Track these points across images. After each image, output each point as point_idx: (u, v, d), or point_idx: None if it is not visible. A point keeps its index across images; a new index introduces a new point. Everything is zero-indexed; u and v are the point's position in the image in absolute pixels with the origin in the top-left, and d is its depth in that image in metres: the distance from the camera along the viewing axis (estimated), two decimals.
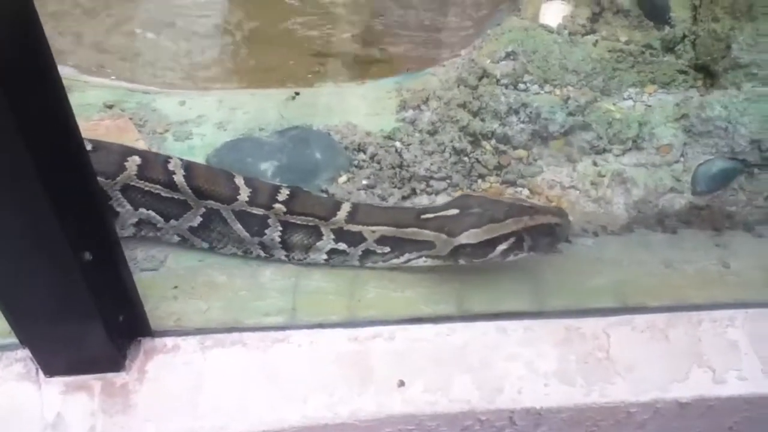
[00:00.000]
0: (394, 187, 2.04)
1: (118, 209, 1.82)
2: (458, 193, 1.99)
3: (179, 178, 1.80)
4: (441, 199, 2.01)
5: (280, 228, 1.82)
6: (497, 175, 2.05)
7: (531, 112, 2.01)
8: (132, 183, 1.80)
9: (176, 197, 1.81)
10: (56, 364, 1.55)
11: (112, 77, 2.43)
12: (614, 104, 2.05)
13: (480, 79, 2.10)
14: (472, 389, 1.59)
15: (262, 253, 1.85)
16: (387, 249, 1.82)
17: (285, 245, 1.83)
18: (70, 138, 1.25)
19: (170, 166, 1.82)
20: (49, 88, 1.17)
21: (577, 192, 1.99)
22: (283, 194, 1.83)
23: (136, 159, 1.81)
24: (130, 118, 2.20)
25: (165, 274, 1.84)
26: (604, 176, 1.99)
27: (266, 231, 1.82)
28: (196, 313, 1.72)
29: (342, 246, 1.82)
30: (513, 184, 2.05)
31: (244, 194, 1.81)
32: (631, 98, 2.07)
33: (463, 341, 1.67)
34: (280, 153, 2.06)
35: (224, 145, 2.11)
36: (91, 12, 2.73)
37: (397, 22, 2.79)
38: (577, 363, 1.64)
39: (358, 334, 1.67)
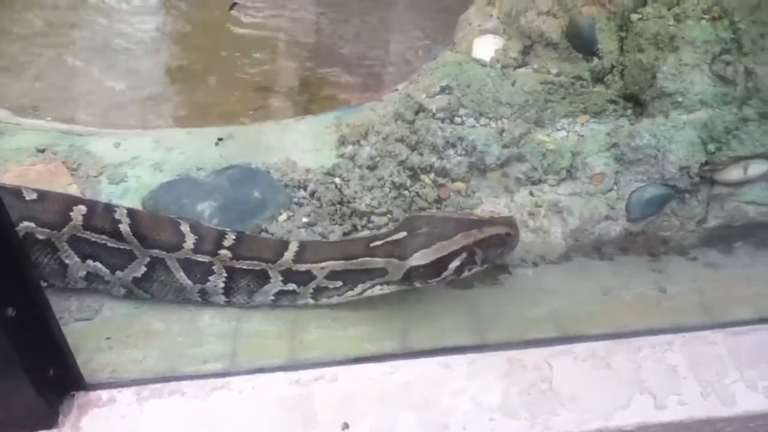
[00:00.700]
0: (335, 223, 2.03)
1: (67, 261, 1.78)
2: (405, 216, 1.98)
3: (125, 227, 1.76)
4: None
5: (225, 274, 1.79)
6: (437, 207, 2.05)
7: (467, 145, 2.03)
8: (78, 234, 1.76)
9: (122, 247, 1.77)
10: None
11: (48, 118, 2.38)
12: (548, 135, 2.08)
13: (416, 113, 2.11)
14: (418, 428, 1.58)
15: (200, 299, 1.82)
16: (339, 283, 1.80)
17: (229, 291, 1.80)
18: None
19: (116, 215, 1.78)
20: None
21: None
22: (229, 239, 1.80)
23: (82, 208, 1.77)
24: (63, 162, 2.14)
25: (100, 324, 1.79)
26: (540, 206, 2.01)
27: (210, 278, 1.79)
28: (131, 362, 1.68)
29: (291, 286, 1.80)
30: None
31: (190, 241, 1.78)
32: (564, 129, 2.10)
33: (408, 379, 1.66)
34: (217, 193, 2.03)
35: (160, 186, 2.07)
36: (26, 53, 2.68)
37: (339, 57, 2.81)
38: (521, 395, 1.64)
39: (301, 377, 1.65)
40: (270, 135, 2.30)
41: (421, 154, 2.07)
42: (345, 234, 2.01)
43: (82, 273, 1.79)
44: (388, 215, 2.04)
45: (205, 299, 1.82)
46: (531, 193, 2.05)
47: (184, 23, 2.87)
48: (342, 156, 2.15)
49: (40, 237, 1.74)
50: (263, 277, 1.79)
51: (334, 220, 2.03)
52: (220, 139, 2.24)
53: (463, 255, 1.73)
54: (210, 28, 2.87)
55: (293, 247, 1.82)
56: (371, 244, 1.80)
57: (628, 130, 2.03)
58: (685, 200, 2.02)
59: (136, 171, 2.13)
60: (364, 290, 1.81)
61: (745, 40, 1.99)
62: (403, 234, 1.79)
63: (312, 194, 2.07)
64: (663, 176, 1.98)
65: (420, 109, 2.12)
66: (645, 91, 2.08)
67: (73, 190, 2.04)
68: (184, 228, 1.80)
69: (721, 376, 1.69)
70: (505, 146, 2.03)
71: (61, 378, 1.53)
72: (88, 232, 1.76)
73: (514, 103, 2.09)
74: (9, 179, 2.01)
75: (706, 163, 1.97)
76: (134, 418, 1.56)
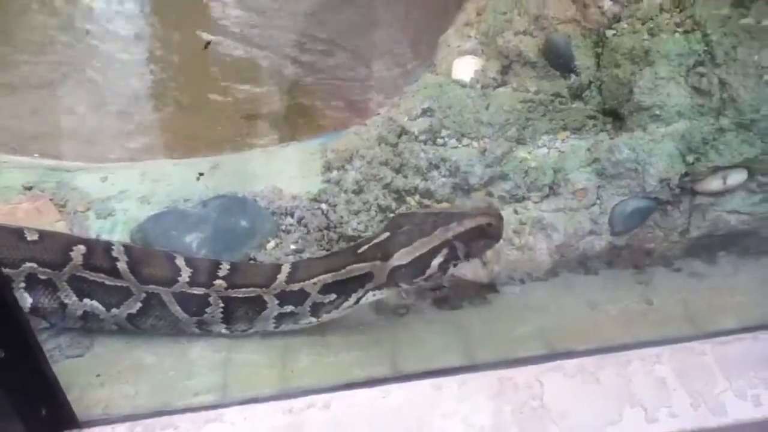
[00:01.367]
0: (323, 249, 2.04)
1: (66, 301, 1.78)
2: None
3: (122, 264, 1.76)
4: None
5: (222, 305, 1.78)
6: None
7: (451, 166, 2.05)
8: (77, 273, 1.76)
9: (119, 284, 1.77)
10: None
11: (35, 155, 2.38)
12: (529, 153, 2.11)
13: (399, 136, 2.14)
14: None
15: (197, 331, 1.82)
16: (333, 296, 1.78)
17: (226, 320, 1.80)
18: None
19: (113, 253, 1.78)
20: None
21: (501, 241, 2.02)
22: (224, 269, 1.80)
23: (81, 248, 1.77)
24: (51, 199, 2.15)
25: (91, 360, 1.79)
26: (525, 224, 2.03)
27: (207, 309, 1.78)
28: (124, 398, 1.68)
29: (289, 308, 1.79)
30: None
31: (185, 275, 1.77)
32: (545, 146, 2.13)
33: (399, 403, 1.66)
34: (204, 224, 2.04)
35: (148, 219, 2.08)
36: (8, 87, 2.68)
37: (325, 81, 2.82)
38: (513, 414, 1.64)
39: (293, 406, 1.64)
40: (256, 163, 2.31)
41: (405, 177, 2.09)
42: None
43: (80, 312, 1.79)
44: None
45: (203, 329, 1.81)
46: (515, 211, 2.07)
47: (171, 53, 2.87)
48: (328, 181, 2.17)
49: (42, 277, 1.75)
50: (260, 303, 1.79)
51: (321, 245, 2.05)
52: (201, 174, 2.24)
53: (445, 251, 1.70)
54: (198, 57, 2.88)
55: (286, 269, 1.80)
56: (359, 251, 1.78)
57: (608, 145, 2.05)
58: (668, 212, 2.05)
59: (124, 204, 2.14)
60: (359, 298, 1.78)
61: (718, 51, 2.02)
62: (386, 234, 1.76)
63: (299, 221, 2.09)
64: (644, 189, 2.00)
65: (403, 132, 2.14)
66: (623, 105, 2.11)
67: (61, 226, 2.05)
68: (180, 262, 1.80)
69: (711, 386, 1.69)
70: (488, 165, 2.06)
71: (53, 417, 1.52)
72: (87, 272, 1.76)
73: (495, 123, 2.12)
74: None
75: (686, 174, 1.99)
76: None
